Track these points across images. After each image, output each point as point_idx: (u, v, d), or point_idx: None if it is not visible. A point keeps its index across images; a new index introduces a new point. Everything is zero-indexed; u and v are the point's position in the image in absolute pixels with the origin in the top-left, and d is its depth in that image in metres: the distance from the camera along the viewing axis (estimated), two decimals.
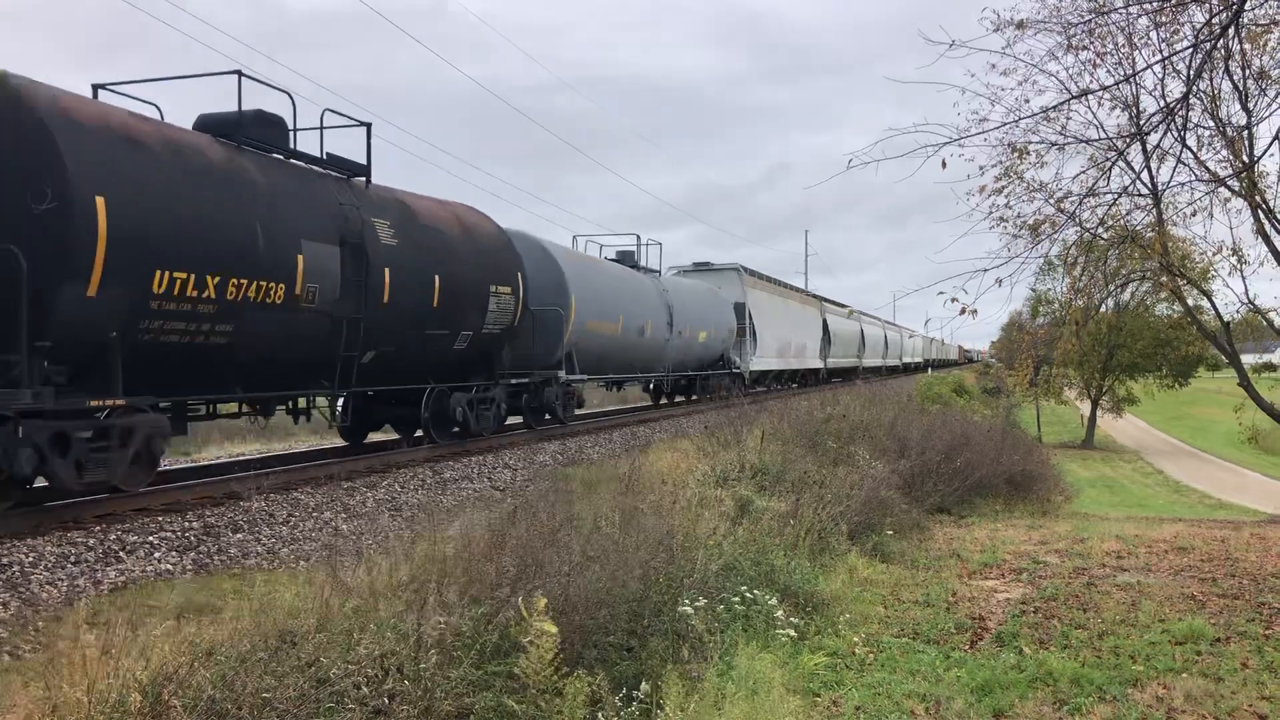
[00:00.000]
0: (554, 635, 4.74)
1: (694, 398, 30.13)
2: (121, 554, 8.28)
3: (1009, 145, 10.61)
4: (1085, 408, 50.61)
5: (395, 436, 16.31)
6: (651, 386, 29.04)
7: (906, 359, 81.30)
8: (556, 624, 4.84)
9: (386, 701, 4.24)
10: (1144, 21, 10.08)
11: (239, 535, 9.28)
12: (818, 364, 45.26)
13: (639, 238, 26.59)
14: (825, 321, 47.22)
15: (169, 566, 8.23)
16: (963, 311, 7.63)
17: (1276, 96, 10.90)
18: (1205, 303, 17.15)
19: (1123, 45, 11.08)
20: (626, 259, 25.94)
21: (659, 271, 27.30)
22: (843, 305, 57.68)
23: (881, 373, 64.04)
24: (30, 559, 7.82)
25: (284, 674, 4.13)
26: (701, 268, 33.31)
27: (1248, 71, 10.87)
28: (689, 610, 6.02)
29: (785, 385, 41.12)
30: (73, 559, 7.97)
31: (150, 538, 8.75)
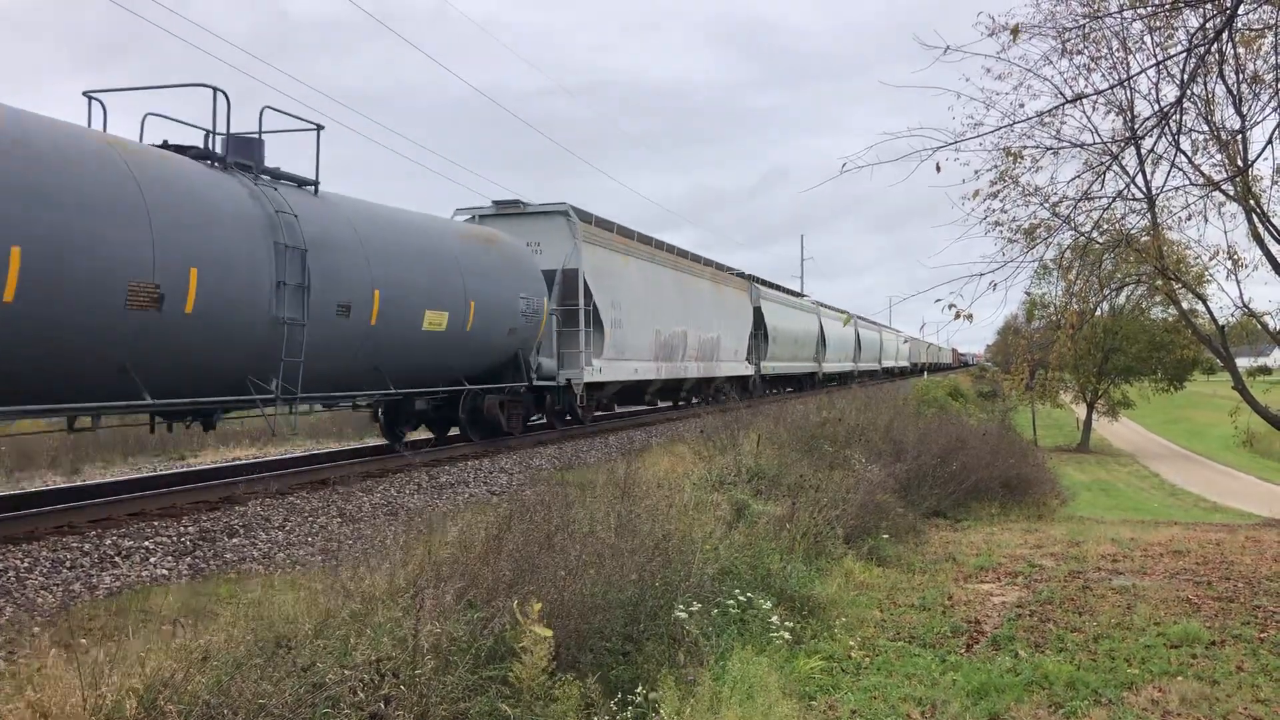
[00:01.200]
0: (548, 640, 4.74)
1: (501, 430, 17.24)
2: (117, 559, 8.26)
3: (1004, 149, 10.66)
4: (1081, 411, 50.67)
5: None
6: (381, 416, 16.52)
7: (889, 363, 70.20)
8: (552, 628, 4.85)
9: (382, 706, 4.24)
10: (1138, 26, 10.13)
11: (235, 540, 9.27)
12: (743, 369, 32.79)
13: (216, 94, 11.55)
14: (760, 311, 34.85)
15: (164, 571, 8.22)
16: (958, 316, 7.64)
17: (1270, 100, 10.94)
18: (1200, 306, 17.22)
19: (1117, 50, 11.16)
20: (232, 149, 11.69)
21: (315, 185, 12.98)
22: (797, 294, 45.61)
23: (853, 380, 53.32)
24: (25, 564, 7.81)
25: (280, 679, 4.12)
26: (506, 210, 20.12)
27: (1241, 76, 10.92)
28: (684, 615, 6.02)
29: (684, 399, 29.28)
30: (68, 564, 7.96)
31: (146, 542, 8.74)
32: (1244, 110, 11.37)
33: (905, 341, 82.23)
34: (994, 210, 10.96)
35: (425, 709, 4.30)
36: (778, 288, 40.64)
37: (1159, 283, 15.35)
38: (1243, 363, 18.87)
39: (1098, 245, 12.60)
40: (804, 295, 47.26)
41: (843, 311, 55.42)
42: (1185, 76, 8.18)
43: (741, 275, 34.68)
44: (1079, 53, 10.49)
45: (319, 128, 12.93)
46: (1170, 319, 40.35)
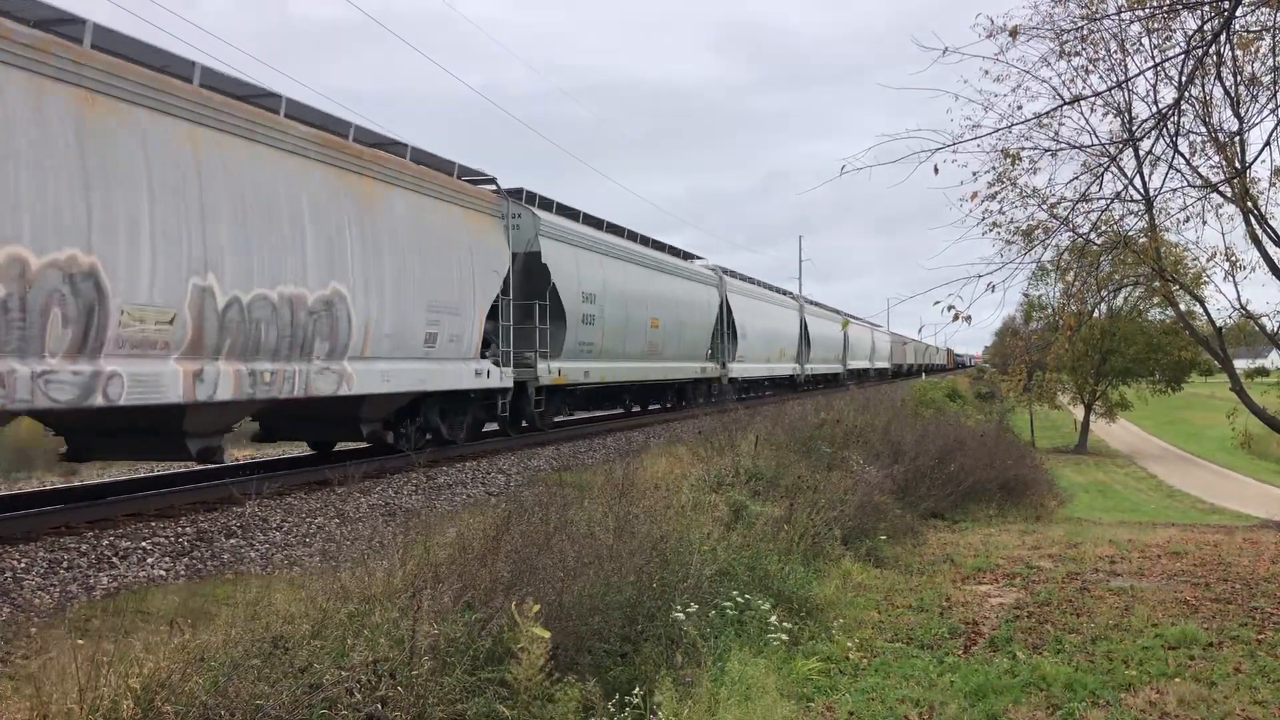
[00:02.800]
0: (546, 641, 4.73)
1: None
2: (114, 559, 8.25)
3: (1002, 151, 10.66)
4: (1078, 413, 50.67)
5: None
6: None
7: (859, 363, 55.83)
8: (550, 630, 4.84)
9: (379, 707, 4.23)
10: (1136, 28, 10.13)
11: (232, 540, 9.26)
12: (479, 378, 15.23)
13: None
14: (539, 260, 17.84)
15: (162, 572, 8.21)
16: (956, 317, 7.63)
17: (1268, 103, 10.95)
18: (1198, 308, 17.24)
19: (1115, 51, 11.16)
20: None
21: None
22: (672, 252, 26.82)
23: (795, 386, 40.37)
24: (23, 564, 7.80)
25: (277, 680, 4.12)
26: None
27: (1239, 77, 10.93)
28: (682, 616, 6.02)
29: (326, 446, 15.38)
30: (65, 565, 7.95)
31: (143, 543, 8.73)
32: (1242, 112, 11.39)
33: (905, 343, 69.43)
34: (992, 212, 10.98)
35: (422, 710, 4.30)
36: (595, 223, 21.07)
37: (1157, 284, 15.37)
38: (1240, 364, 18.91)
39: (1096, 247, 12.60)
40: (696, 258, 29.50)
41: (770, 287, 38.55)
42: (1183, 78, 8.19)
43: (495, 188, 16.57)
44: (1077, 54, 10.49)
45: None
46: (1168, 320, 40.41)
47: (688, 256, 28.61)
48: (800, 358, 40.83)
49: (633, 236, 23.89)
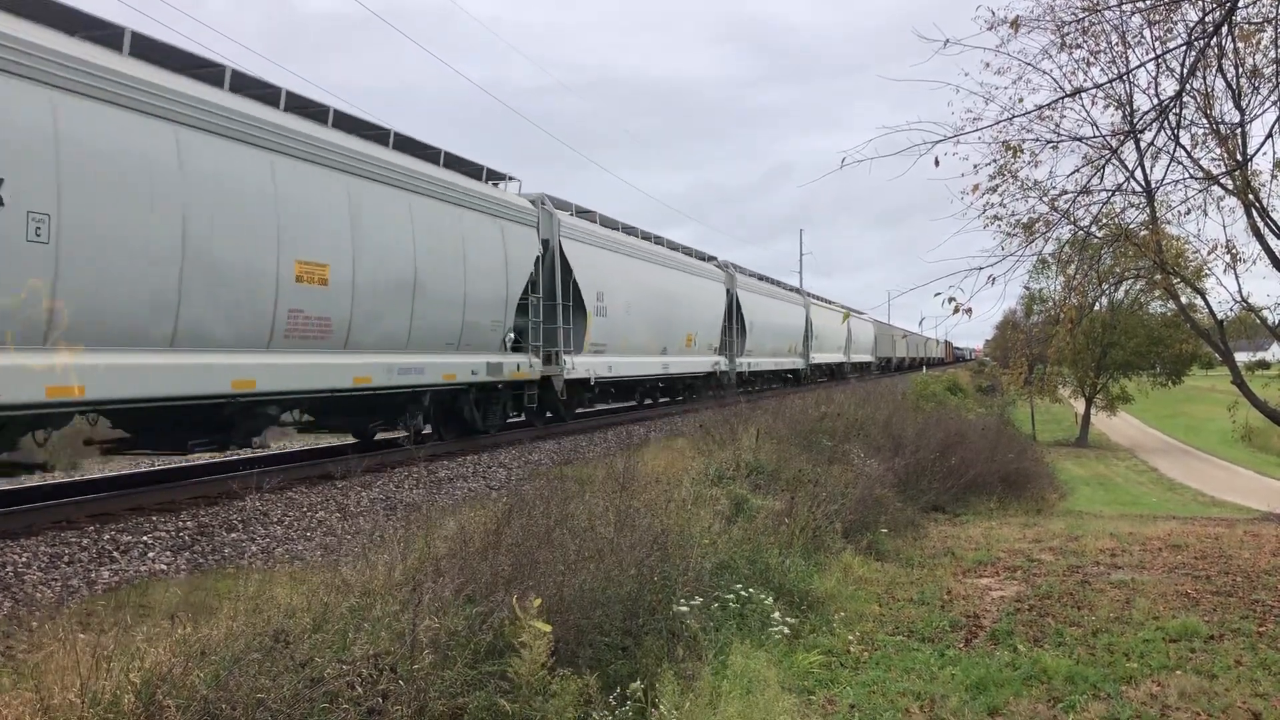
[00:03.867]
0: (547, 635, 4.73)
1: None
2: (115, 554, 8.26)
3: (1003, 143, 10.62)
4: (1079, 406, 50.68)
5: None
6: None
7: (827, 356, 46.61)
8: (551, 623, 4.84)
9: (380, 701, 4.23)
10: (1137, 20, 10.10)
11: (234, 535, 9.27)
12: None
13: None
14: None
15: (163, 566, 8.22)
16: (956, 310, 7.62)
17: (1269, 94, 10.92)
18: (1199, 301, 17.22)
19: (1116, 43, 11.11)
20: None
21: None
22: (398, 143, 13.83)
23: (721, 385, 29.56)
24: (24, 559, 7.80)
25: (278, 674, 4.12)
26: None
27: (1241, 69, 10.90)
28: (683, 609, 6.02)
29: None
30: (66, 559, 7.96)
31: (144, 537, 8.73)
32: (1243, 104, 11.35)
33: (868, 328, 58.83)
34: (993, 205, 10.94)
35: (423, 703, 4.30)
36: (182, 61, 10.22)
37: (1158, 277, 15.33)
38: (1241, 357, 18.90)
39: (1096, 240, 12.58)
40: (504, 178, 17.34)
41: (663, 242, 25.64)
42: (1184, 70, 8.16)
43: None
44: (1078, 47, 10.45)
45: None
46: (1169, 314, 40.39)
47: (489, 176, 16.63)
48: (728, 347, 29.82)
49: (303, 108, 12.04)
